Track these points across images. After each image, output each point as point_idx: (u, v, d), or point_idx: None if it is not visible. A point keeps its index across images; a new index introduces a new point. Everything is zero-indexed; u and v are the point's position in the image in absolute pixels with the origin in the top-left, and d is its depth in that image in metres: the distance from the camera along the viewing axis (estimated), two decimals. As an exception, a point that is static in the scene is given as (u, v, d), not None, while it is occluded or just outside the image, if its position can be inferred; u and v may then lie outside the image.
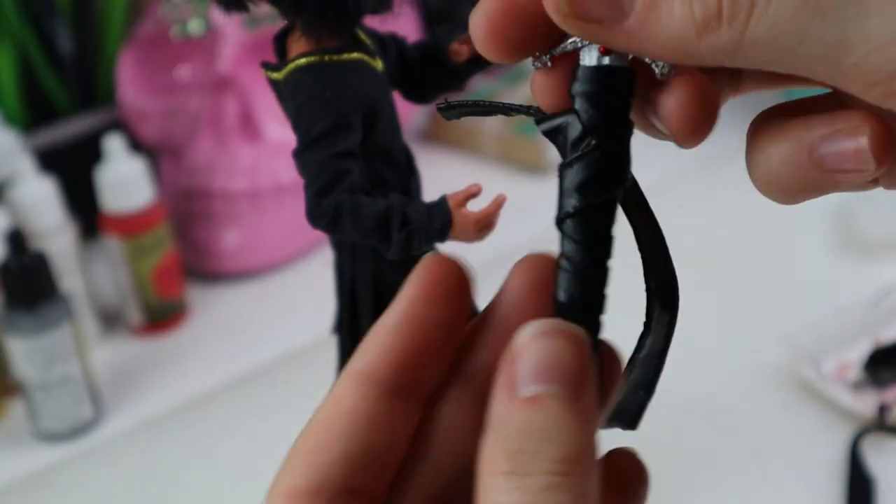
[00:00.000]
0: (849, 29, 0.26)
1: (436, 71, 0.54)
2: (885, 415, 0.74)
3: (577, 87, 0.29)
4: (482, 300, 0.61)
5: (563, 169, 0.29)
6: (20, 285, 0.80)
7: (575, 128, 0.29)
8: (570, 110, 0.30)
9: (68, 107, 1.06)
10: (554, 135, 0.30)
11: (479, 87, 1.20)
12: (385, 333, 0.29)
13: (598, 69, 0.29)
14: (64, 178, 0.95)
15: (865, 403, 0.75)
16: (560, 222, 0.29)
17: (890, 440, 0.74)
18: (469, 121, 1.32)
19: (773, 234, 0.97)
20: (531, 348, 0.27)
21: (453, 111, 0.32)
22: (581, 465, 0.26)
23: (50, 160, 0.99)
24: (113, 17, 1.06)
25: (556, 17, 0.28)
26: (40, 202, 0.89)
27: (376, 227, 0.48)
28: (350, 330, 0.55)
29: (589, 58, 0.30)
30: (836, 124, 0.30)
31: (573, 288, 0.30)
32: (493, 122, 1.14)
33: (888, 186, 0.32)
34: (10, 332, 0.81)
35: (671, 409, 0.80)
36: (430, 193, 0.52)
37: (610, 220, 0.30)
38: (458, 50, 0.53)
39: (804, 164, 0.32)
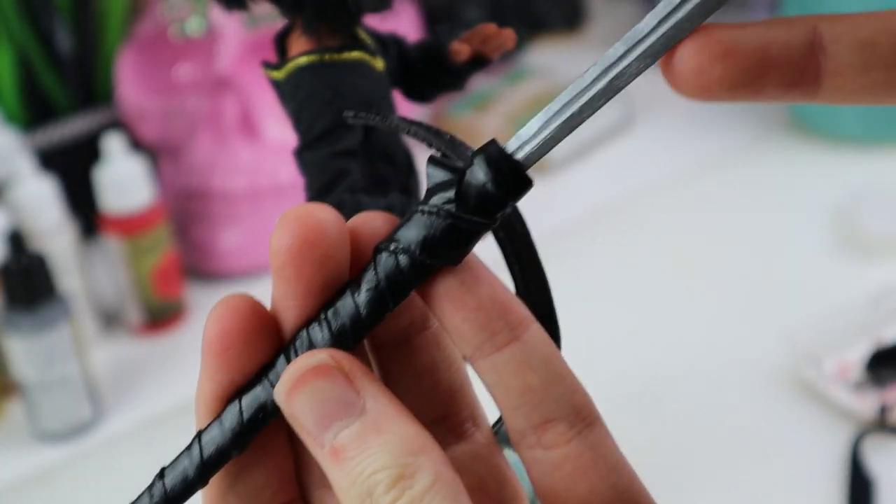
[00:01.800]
0: None
1: (436, 70, 0.54)
2: (885, 415, 0.74)
3: (481, 156, 0.29)
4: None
5: (416, 210, 0.29)
6: (20, 285, 0.80)
7: (451, 184, 0.29)
8: (461, 168, 0.29)
9: (68, 106, 1.06)
10: (436, 170, 0.30)
11: (480, 86, 1.20)
12: (207, 413, 0.32)
13: (509, 160, 0.29)
14: (63, 177, 0.95)
15: (866, 404, 0.75)
16: (377, 250, 0.29)
17: (891, 440, 0.74)
18: (469, 121, 1.32)
19: (773, 234, 0.97)
20: (293, 409, 0.28)
21: (358, 120, 0.32)
22: (407, 473, 0.27)
23: (49, 160, 0.99)
24: (112, 17, 1.06)
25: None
26: (40, 202, 0.89)
27: (376, 227, 0.48)
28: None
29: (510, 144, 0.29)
30: None
31: (343, 310, 0.29)
32: (493, 122, 1.14)
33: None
34: (10, 332, 0.81)
35: (671, 409, 0.80)
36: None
37: (418, 279, 0.29)
38: (459, 49, 0.53)
39: None
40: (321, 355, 0.29)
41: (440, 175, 0.29)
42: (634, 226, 1.02)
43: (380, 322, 0.29)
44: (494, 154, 0.29)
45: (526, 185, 0.29)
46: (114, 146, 0.91)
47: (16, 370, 0.82)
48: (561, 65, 1.26)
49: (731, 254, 0.96)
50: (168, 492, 0.31)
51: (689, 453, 0.75)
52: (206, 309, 1.12)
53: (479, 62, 0.53)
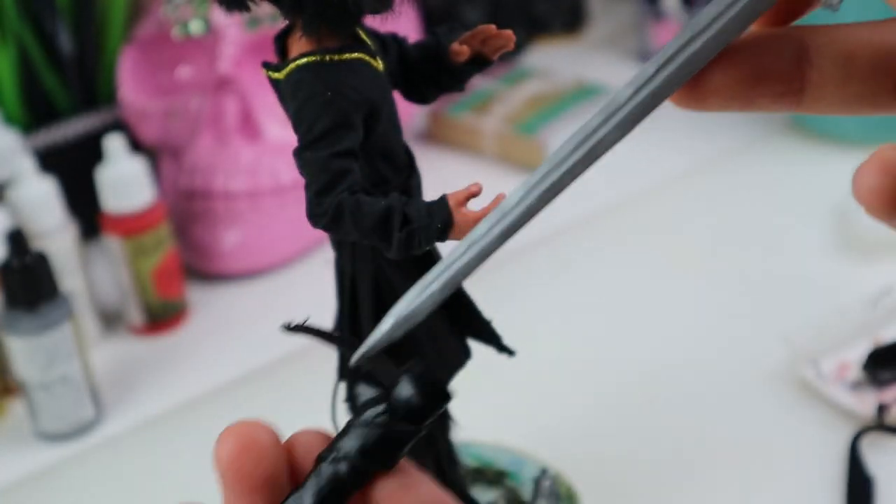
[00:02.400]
0: None
1: (436, 71, 0.54)
2: (884, 414, 0.74)
3: (409, 375, 0.32)
4: (483, 301, 0.61)
5: (351, 423, 0.33)
6: (21, 285, 0.80)
7: (382, 398, 0.33)
8: (388, 387, 0.33)
9: (69, 107, 1.06)
10: (366, 388, 0.35)
11: (480, 87, 1.20)
12: None
13: (432, 381, 0.33)
14: (64, 178, 0.95)
15: (865, 403, 0.75)
16: (320, 459, 0.32)
17: (889, 439, 0.74)
18: (469, 121, 1.32)
19: (772, 235, 0.97)
20: None
21: (297, 331, 0.36)
22: None
23: (50, 160, 0.99)
24: (113, 17, 1.06)
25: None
26: (41, 202, 0.89)
27: (377, 227, 0.48)
28: (350, 330, 0.55)
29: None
30: None
31: None
32: (493, 122, 1.14)
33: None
34: (11, 332, 0.81)
35: (671, 409, 0.80)
36: (430, 193, 0.52)
37: (357, 484, 0.32)
38: (459, 50, 0.53)
39: None
40: None
41: (370, 392, 0.34)
42: (634, 226, 1.02)
43: None
44: (420, 373, 0.33)
45: (446, 398, 0.33)
46: (115, 146, 0.91)
47: (17, 370, 0.82)
48: (561, 66, 1.26)
49: (730, 254, 0.96)
50: None
51: (688, 452, 0.75)
52: (206, 309, 1.12)
53: (479, 63, 0.54)
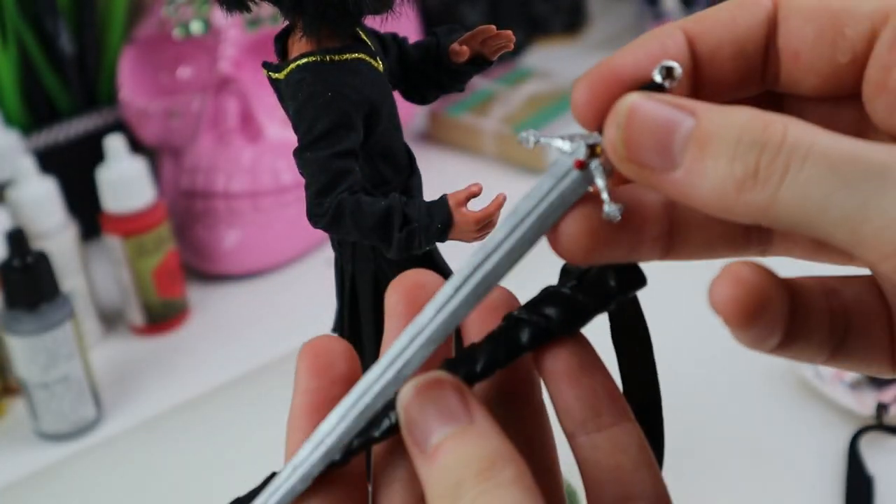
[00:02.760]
0: (869, 202, 0.28)
1: (436, 71, 0.54)
2: (883, 413, 0.74)
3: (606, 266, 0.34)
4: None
5: (546, 289, 0.34)
6: (21, 285, 0.80)
7: (576, 273, 0.34)
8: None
9: (69, 107, 1.06)
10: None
11: (479, 87, 1.20)
12: (298, 418, 0.34)
13: (632, 268, 0.35)
14: (65, 178, 0.95)
15: (864, 402, 0.75)
16: (507, 317, 0.33)
17: (888, 439, 0.74)
18: (469, 121, 1.32)
19: (772, 234, 0.97)
20: (409, 412, 0.31)
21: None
22: (496, 468, 0.29)
23: (51, 160, 0.99)
24: (114, 18, 1.06)
25: (613, 158, 0.31)
26: (41, 202, 0.89)
27: (377, 227, 0.48)
28: (350, 330, 0.55)
29: (562, 164, 0.34)
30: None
31: (460, 360, 0.33)
32: (493, 123, 1.14)
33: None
34: (12, 332, 0.81)
35: (670, 409, 0.80)
36: (430, 193, 0.52)
37: (535, 343, 0.33)
38: (459, 50, 0.53)
39: None
40: (442, 373, 0.32)
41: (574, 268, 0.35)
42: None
43: (489, 375, 0.33)
44: (619, 266, 0.35)
45: (641, 282, 0.36)
46: (115, 147, 0.91)
47: (18, 370, 0.82)
48: (560, 66, 1.26)
49: (730, 254, 0.96)
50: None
51: (688, 452, 0.75)
52: (207, 309, 1.12)
53: (478, 63, 0.54)
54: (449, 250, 0.58)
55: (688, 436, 0.77)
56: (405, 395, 0.32)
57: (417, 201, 0.50)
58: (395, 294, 0.34)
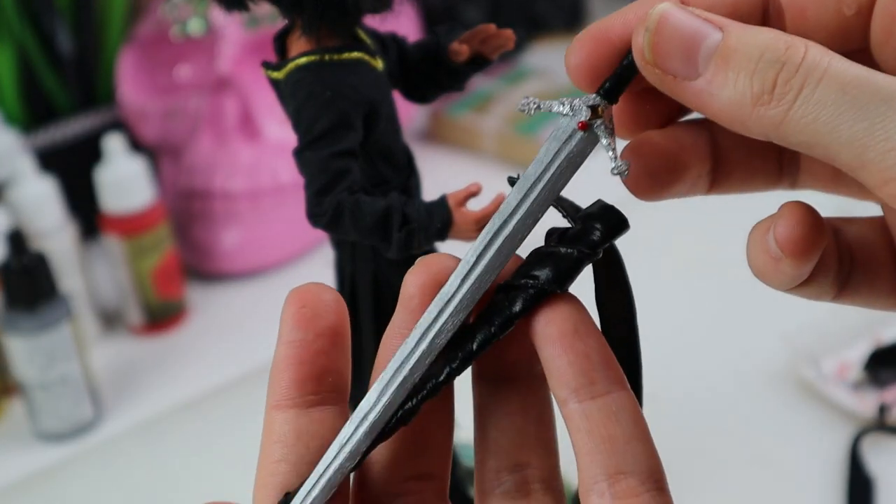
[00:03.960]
0: (875, 126, 0.29)
1: (436, 71, 0.54)
2: (884, 414, 0.74)
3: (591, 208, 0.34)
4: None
5: (548, 245, 0.34)
6: (20, 285, 0.80)
7: (556, 231, 0.34)
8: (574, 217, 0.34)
9: (68, 107, 1.06)
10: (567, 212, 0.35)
11: (480, 86, 1.20)
12: (278, 370, 0.33)
13: (614, 212, 0.34)
14: (64, 178, 0.95)
15: (865, 403, 0.75)
16: (506, 287, 0.33)
17: (890, 440, 0.74)
18: (469, 121, 1.31)
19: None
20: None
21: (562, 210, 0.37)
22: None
23: (50, 160, 0.99)
24: (113, 17, 1.06)
25: (638, 62, 0.32)
26: (40, 202, 0.89)
27: (376, 227, 0.48)
28: (350, 329, 0.55)
29: (566, 126, 0.34)
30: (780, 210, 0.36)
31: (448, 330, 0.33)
32: (493, 122, 1.14)
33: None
34: (11, 332, 0.81)
35: (671, 409, 0.80)
36: (430, 193, 0.52)
37: (527, 305, 0.33)
38: (458, 50, 0.53)
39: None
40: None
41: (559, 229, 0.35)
42: (633, 227, 1.02)
43: (482, 351, 0.32)
44: (601, 205, 0.35)
45: (624, 226, 0.35)
46: (114, 146, 0.91)
47: (16, 370, 0.82)
48: (560, 65, 1.26)
49: (730, 253, 0.96)
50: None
51: (689, 453, 0.75)
52: (206, 309, 1.12)
53: (478, 62, 0.53)
54: (449, 250, 0.58)
55: (688, 436, 0.77)
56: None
57: (417, 201, 0.50)
58: (414, 285, 0.34)
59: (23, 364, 0.81)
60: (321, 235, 0.53)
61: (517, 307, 0.32)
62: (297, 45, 0.50)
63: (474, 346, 0.32)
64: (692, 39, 0.31)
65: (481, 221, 0.49)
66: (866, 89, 0.29)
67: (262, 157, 0.99)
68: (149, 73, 1.04)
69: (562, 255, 0.33)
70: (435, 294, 0.32)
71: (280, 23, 0.50)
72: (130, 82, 1.03)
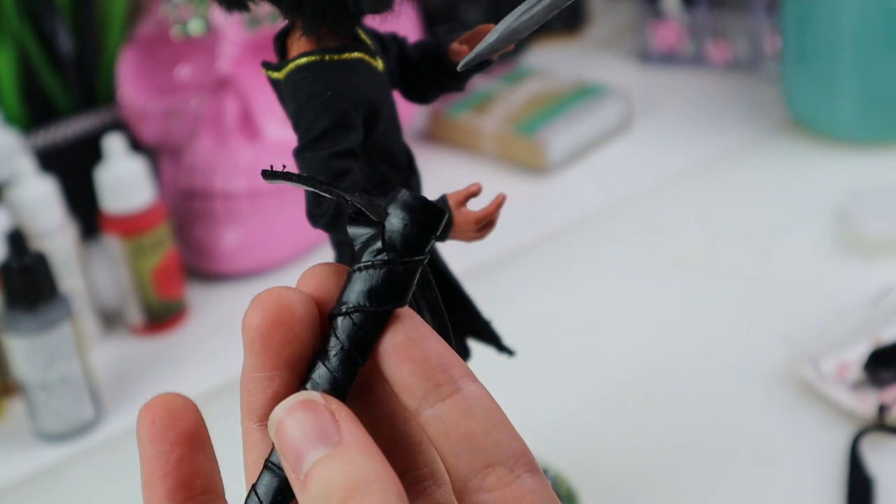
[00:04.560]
0: None
1: (436, 71, 0.54)
2: (884, 414, 0.74)
3: (395, 204, 0.32)
4: (483, 301, 0.61)
5: (353, 271, 0.32)
6: (20, 285, 0.80)
7: (375, 238, 0.32)
8: (380, 221, 0.32)
9: (68, 107, 1.06)
10: (357, 230, 0.32)
11: (480, 86, 1.20)
12: (147, 490, 0.34)
13: (419, 199, 0.32)
14: (64, 178, 0.95)
15: (865, 403, 0.75)
16: (332, 317, 0.32)
17: (890, 440, 0.74)
18: (469, 121, 1.31)
19: (773, 235, 0.97)
20: (281, 436, 0.31)
21: (277, 179, 0.34)
22: (357, 495, 0.29)
23: (50, 160, 0.99)
24: (113, 17, 1.06)
25: None
26: (40, 202, 0.89)
27: (376, 227, 0.48)
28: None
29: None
30: None
31: (320, 378, 0.32)
32: (493, 122, 1.14)
33: None
34: (11, 332, 0.81)
35: (671, 409, 0.80)
36: (430, 193, 0.52)
37: (376, 329, 0.31)
38: (459, 50, 0.53)
39: None
40: (311, 393, 0.31)
41: (362, 233, 0.32)
42: (633, 226, 1.02)
43: (354, 379, 0.32)
44: (406, 199, 0.32)
45: (440, 216, 0.32)
46: (114, 146, 0.91)
47: (16, 370, 0.82)
48: (561, 66, 1.26)
49: (730, 254, 0.96)
50: None
51: (688, 453, 0.75)
52: (206, 309, 1.12)
53: (478, 63, 0.53)
54: (449, 250, 0.58)
55: (688, 436, 0.77)
56: (275, 418, 0.31)
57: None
58: (252, 328, 0.33)
59: (23, 364, 0.81)
60: (321, 235, 0.53)
61: (367, 330, 0.31)
62: (298, 45, 0.50)
63: (339, 377, 0.32)
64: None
65: (481, 221, 0.49)
66: None
67: (262, 157, 0.99)
68: (149, 73, 1.04)
69: (397, 271, 0.31)
70: (276, 331, 0.32)
71: (280, 23, 0.50)
72: (130, 82, 1.03)
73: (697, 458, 0.75)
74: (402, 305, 0.31)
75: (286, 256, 1.02)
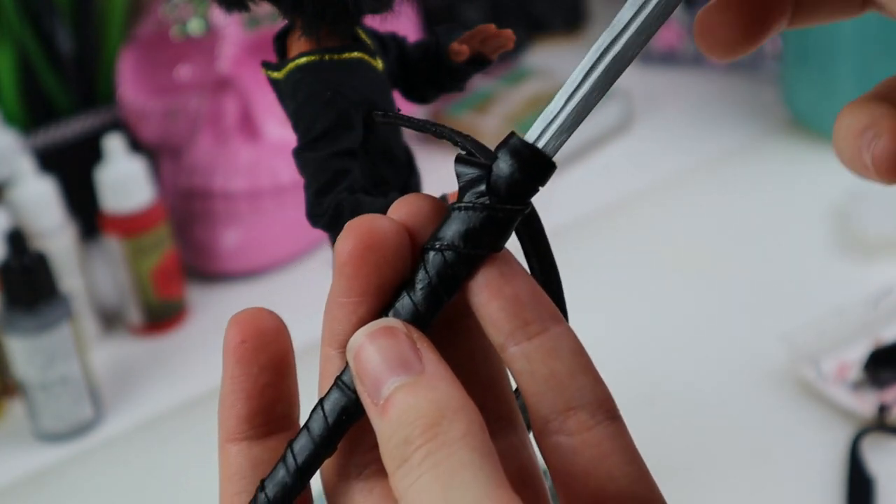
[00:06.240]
0: None
1: (436, 71, 0.54)
2: (884, 415, 0.74)
3: (505, 149, 0.32)
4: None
5: (452, 208, 0.32)
6: (20, 285, 0.80)
7: (480, 179, 0.32)
8: (487, 164, 0.32)
9: (68, 107, 1.06)
10: (464, 168, 0.33)
11: (480, 86, 1.20)
12: (226, 406, 0.33)
13: (531, 148, 0.32)
14: (64, 178, 0.95)
15: (865, 403, 0.75)
16: (424, 250, 0.32)
17: (890, 440, 0.74)
18: (469, 121, 1.31)
19: (773, 234, 0.97)
20: (360, 361, 0.30)
21: (387, 119, 0.34)
22: (444, 423, 0.29)
23: (50, 160, 0.99)
24: (113, 17, 1.06)
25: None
26: (40, 202, 0.89)
27: (376, 227, 0.48)
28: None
29: (528, 134, 0.32)
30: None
31: (403, 309, 0.32)
32: (492, 123, 1.14)
33: None
34: (10, 332, 0.81)
35: (671, 409, 0.80)
36: (430, 193, 0.52)
37: (466, 270, 0.31)
38: (458, 50, 0.53)
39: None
40: (393, 319, 0.31)
41: (468, 172, 0.32)
42: (633, 226, 1.02)
43: (436, 315, 0.31)
44: (517, 145, 0.32)
45: (549, 168, 0.32)
46: (114, 146, 0.91)
47: (16, 370, 0.82)
48: (561, 65, 1.26)
49: (729, 254, 0.96)
50: (271, 500, 0.32)
51: (688, 453, 0.75)
52: (206, 309, 1.12)
53: (478, 63, 0.53)
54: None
55: (688, 436, 0.77)
56: (355, 343, 0.31)
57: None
58: (344, 253, 0.32)
59: (23, 364, 0.81)
60: (321, 235, 0.53)
61: (458, 270, 0.31)
62: (298, 45, 0.50)
63: (422, 310, 0.31)
64: None
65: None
66: None
67: (262, 157, 0.99)
68: (149, 73, 1.04)
69: (497, 216, 0.31)
70: (368, 257, 0.31)
71: (280, 23, 0.50)
72: (130, 82, 1.03)
73: (697, 457, 0.75)
74: (496, 251, 0.31)
75: (286, 256, 1.02)
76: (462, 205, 0.31)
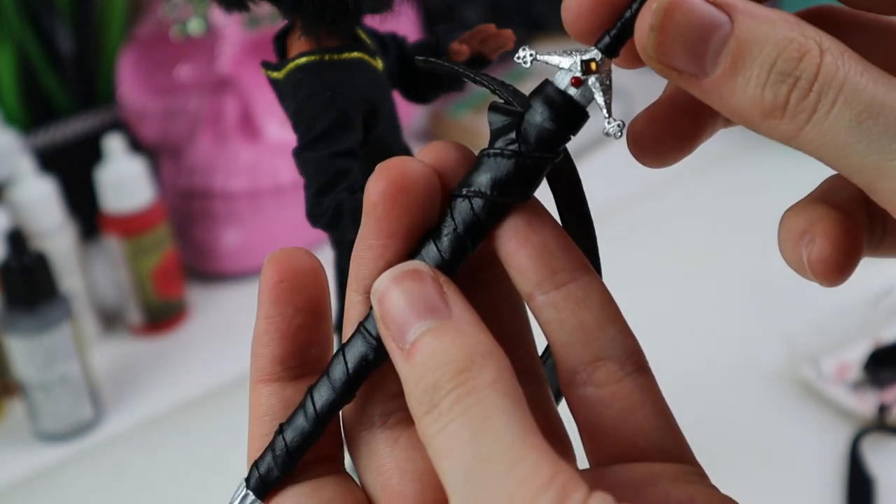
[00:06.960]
0: (886, 160, 0.28)
1: (436, 71, 0.54)
2: (884, 415, 0.74)
3: (538, 97, 0.31)
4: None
5: (482, 154, 0.31)
6: (20, 285, 0.80)
7: (511, 126, 0.31)
8: (520, 111, 0.31)
9: (68, 107, 1.06)
10: (496, 115, 0.32)
11: (479, 87, 1.20)
12: (259, 346, 0.33)
13: (564, 96, 0.31)
14: (64, 178, 0.95)
15: (865, 403, 0.75)
16: (452, 197, 0.31)
17: (890, 440, 0.74)
18: (469, 121, 1.31)
19: (773, 235, 0.97)
20: (385, 305, 0.29)
21: (428, 64, 0.33)
22: (474, 368, 0.28)
23: (50, 160, 0.99)
24: (113, 17, 1.06)
25: (642, 56, 0.30)
26: (40, 202, 0.89)
27: (376, 227, 0.48)
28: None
29: (561, 80, 0.31)
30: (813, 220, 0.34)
31: (428, 256, 0.31)
32: (492, 123, 1.14)
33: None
34: (10, 332, 0.81)
35: (672, 410, 0.80)
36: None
37: (493, 218, 0.31)
38: (459, 50, 0.53)
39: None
40: (419, 263, 0.30)
41: (500, 120, 0.31)
42: (633, 227, 1.02)
43: (462, 263, 0.31)
44: (550, 93, 0.31)
45: (582, 116, 0.31)
46: (114, 146, 0.91)
47: (16, 370, 0.82)
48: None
49: (730, 254, 0.96)
50: (288, 445, 0.32)
51: (689, 453, 0.75)
52: (206, 309, 1.12)
53: (478, 63, 0.53)
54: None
55: (688, 436, 0.77)
56: (380, 286, 0.30)
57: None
58: (375, 192, 0.31)
59: (23, 364, 0.81)
60: (321, 235, 0.53)
61: (485, 218, 0.30)
62: (297, 45, 0.50)
63: (447, 257, 0.31)
64: (699, 35, 0.29)
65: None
66: (880, 120, 0.28)
67: (262, 157, 0.99)
68: (149, 73, 1.04)
69: (527, 164, 0.30)
70: (399, 198, 0.30)
71: (280, 23, 0.50)
72: (130, 82, 1.03)
73: (697, 457, 0.75)
74: (524, 200, 0.31)
75: (286, 256, 1.02)
76: (492, 151, 0.31)
